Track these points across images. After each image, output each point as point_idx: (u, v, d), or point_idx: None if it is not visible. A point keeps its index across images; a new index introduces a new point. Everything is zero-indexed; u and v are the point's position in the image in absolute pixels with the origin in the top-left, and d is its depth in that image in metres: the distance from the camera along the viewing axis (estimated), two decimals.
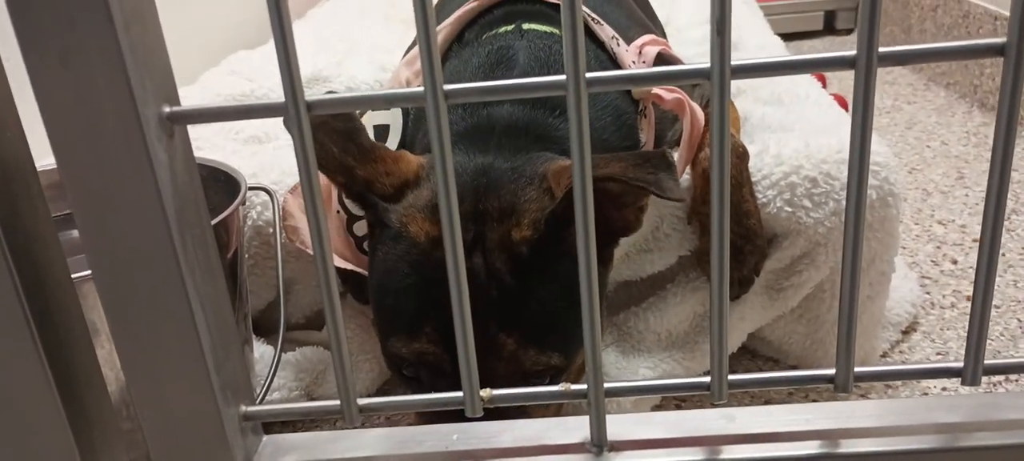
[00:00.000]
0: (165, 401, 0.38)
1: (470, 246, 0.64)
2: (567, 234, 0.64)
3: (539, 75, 0.80)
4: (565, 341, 0.66)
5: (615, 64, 0.87)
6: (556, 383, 0.66)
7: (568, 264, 0.64)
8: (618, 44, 0.87)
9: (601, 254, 0.68)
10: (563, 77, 0.32)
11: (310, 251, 0.76)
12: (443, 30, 0.92)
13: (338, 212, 0.80)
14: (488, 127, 0.75)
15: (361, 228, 0.80)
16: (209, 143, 1.08)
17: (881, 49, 0.31)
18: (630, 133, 0.84)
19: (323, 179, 0.82)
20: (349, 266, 0.81)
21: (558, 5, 0.88)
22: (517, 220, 0.65)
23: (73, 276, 0.41)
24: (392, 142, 0.85)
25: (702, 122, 0.86)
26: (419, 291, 0.65)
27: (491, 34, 0.87)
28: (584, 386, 0.38)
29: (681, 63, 0.97)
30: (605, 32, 0.87)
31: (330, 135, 0.65)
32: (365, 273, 0.83)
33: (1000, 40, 0.31)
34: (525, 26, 0.86)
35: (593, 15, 0.89)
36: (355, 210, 0.79)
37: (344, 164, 0.66)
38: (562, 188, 0.65)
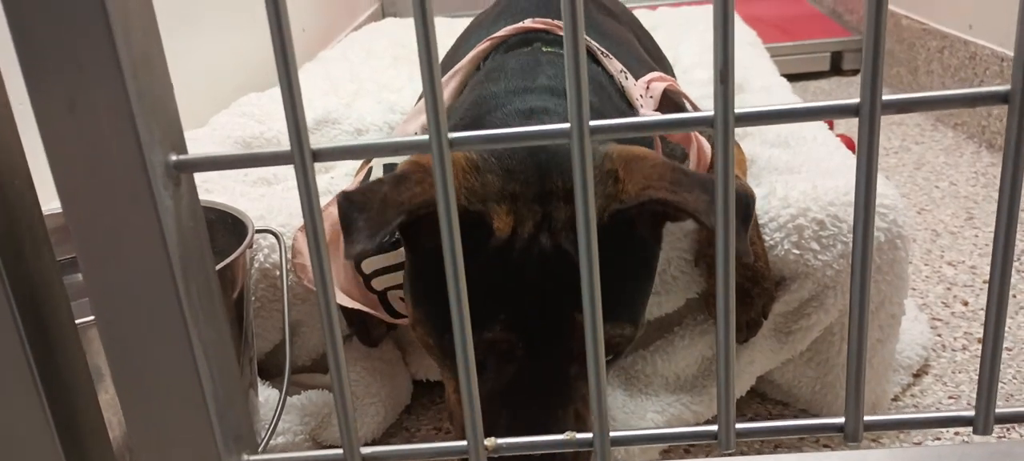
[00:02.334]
0: (166, 449, 0.38)
1: (537, 226, 0.64)
2: (627, 219, 0.65)
3: (562, 86, 0.83)
4: (634, 309, 0.68)
5: (624, 96, 0.87)
6: (625, 349, 0.69)
7: (636, 238, 0.67)
8: (626, 78, 0.88)
9: (654, 233, 0.71)
10: (567, 125, 0.32)
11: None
12: (459, 72, 0.93)
13: None
14: (531, 90, 0.78)
15: (370, 265, 0.79)
16: (218, 185, 1.08)
17: (885, 97, 0.31)
18: None
19: (330, 219, 0.82)
20: (357, 306, 0.81)
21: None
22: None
23: (78, 321, 0.41)
24: None
25: (709, 155, 0.86)
26: (494, 282, 0.64)
27: (510, 54, 0.90)
28: (590, 435, 0.38)
29: (687, 99, 0.97)
30: (614, 66, 0.88)
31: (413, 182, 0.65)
32: (372, 312, 0.83)
33: (1005, 88, 0.31)
34: (544, 48, 0.89)
35: (602, 48, 0.90)
36: None
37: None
38: (636, 185, 0.65)
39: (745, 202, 0.63)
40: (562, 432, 0.63)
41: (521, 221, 0.65)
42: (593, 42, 0.90)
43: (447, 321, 0.65)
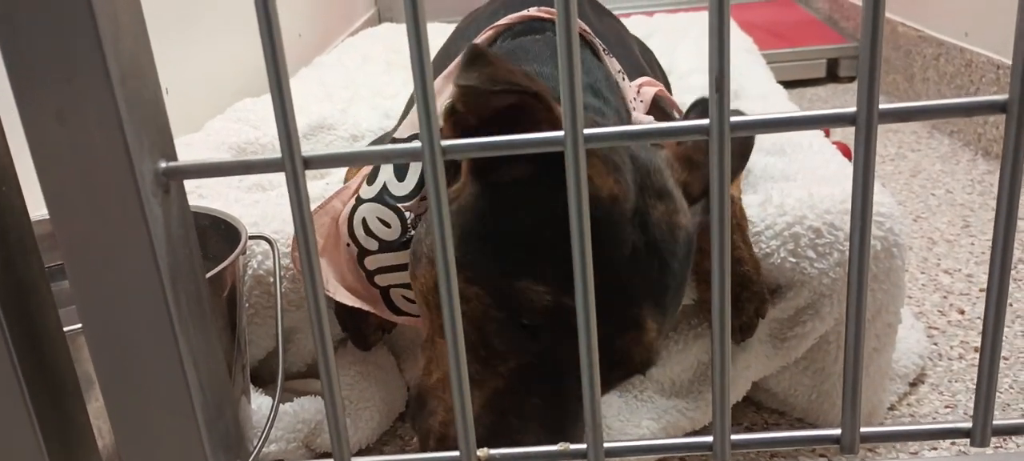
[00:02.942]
0: (155, 458, 0.38)
1: (636, 213, 0.60)
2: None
3: (597, 84, 0.82)
4: (672, 320, 0.66)
5: (620, 96, 0.87)
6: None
7: (683, 249, 0.64)
8: (623, 79, 0.88)
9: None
10: (561, 133, 0.32)
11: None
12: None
13: (348, 245, 0.79)
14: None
15: (373, 262, 0.78)
16: (212, 191, 1.08)
17: (882, 106, 0.31)
18: None
19: (329, 215, 0.81)
20: (358, 303, 0.80)
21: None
22: (676, 207, 0.63)
23: (66, 329, 0.41)
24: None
25: None
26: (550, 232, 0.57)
27: (529, 38, 0.89)
28: (584, 446, 0.37)
29: (676, 106, 0.97)
30: (613, 65, 0.88)
31: (481, 93, 0.58)
32: (372, 309, 0.81)
33: (1002, 97, 0.31)
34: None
35: (603, 45, 0.90)
36: (366, 243, 0.77)
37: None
38: (700, 187, 0.65)
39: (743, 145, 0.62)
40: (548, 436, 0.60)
41: (625, 195, 0.60)
42: (595, 38, 0.90)
43: (517, 266, 0.59)
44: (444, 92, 0.92)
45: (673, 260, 0.62)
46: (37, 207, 0.39)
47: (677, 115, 0.99)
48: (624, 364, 0.62)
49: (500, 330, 0.60)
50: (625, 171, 0.61)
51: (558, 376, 0.60)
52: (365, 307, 0.80)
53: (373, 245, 0.77)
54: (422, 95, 0.32)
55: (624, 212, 0.60)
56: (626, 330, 0.60)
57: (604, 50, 0.89)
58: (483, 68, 0.56)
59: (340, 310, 0.86)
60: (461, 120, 0.59)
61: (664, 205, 0.62)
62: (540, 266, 0.59)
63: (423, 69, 0.32)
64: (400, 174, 0.77)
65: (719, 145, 0.31)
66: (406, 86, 1.67)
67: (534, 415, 0.60)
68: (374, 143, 1.20)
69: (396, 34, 2.13)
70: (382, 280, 0.79)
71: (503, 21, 0.93)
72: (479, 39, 0.94)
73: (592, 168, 0.59)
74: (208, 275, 0.63)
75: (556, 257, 0.57)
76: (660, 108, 0.93)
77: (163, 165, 0.35)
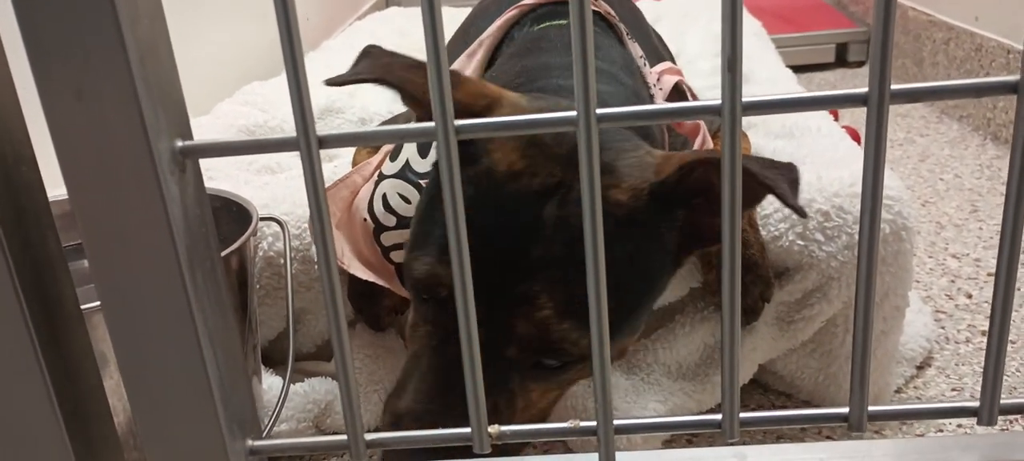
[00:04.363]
0: (171, 434, 0.38)
1: (548, 190, 0.58)
2: (663, 216, 0.59)
3: (613, 68, 0.81)
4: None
5: (643, 80, 0.87)
6: (574, 366, 0.61)
7: (648, 247, 0.60)
8: (644, 64, 0.88)
9: (679, 257, 0.63)
10: (574, 114, 0.32)
11: (338, 263, 0.76)
12: (485, 42, 0.93)
13: (365, 220, 0.79)
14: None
15: (389, 238, 0.79)
16: (222, 173, 1.08)
17: (893, 86, 0.31)
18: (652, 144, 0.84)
19: (348, 188, 0.82)
20: (372, 277, 0.80)
21: (597, 11, 0.89)
22: (616, 180, 0.59)
23: (83, 307, 0.41)
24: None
25: (711, 147, 0.86)
26: (471, 214, 0.59)
27: (554, 25, 0.87)
28: (593, 423, 0.38)
29: (694, 95, 0.97)
30: (636, 50, 0.88)
31: (406, 69, 0.61)
32: (387, 285, 0.82)
33: (1013, 78, 0.31)
34: None
35: (626, 29, 0.90)
36: (384, 219, 0.78)
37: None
38: (673, 164, 0.59)
39: (791, 169, 0.55)
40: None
41: (532, 170, 0.59)
42: (619, 22, 0.89)
43: (416, 242, 0.63)
44: (475, 56, 0.92)
45: (581, 240, 0.59)
46: (54, 186, 0.39)
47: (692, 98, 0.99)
48: (515, 341, 0.59)
49: (417, 304, 0.64)
50: (551, 148, 0.60)
51: (450, 356, 0.60)
52: (379, 281, 0.81)
53: (391, 221, 0.78)
54: (436, 75, 0.33)
55: (526, 186, 0.59)
56: (516, 304, 0.58)
57: (627, 35, 0.89)
58: (362, 61, 0.62)
59: (354, 293, 0.87)
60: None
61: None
62: (428, 237, 0.61)
63: (437, 49, 0.32)
64: (423, 151, 0.78)
65: (731, 125, 0.31)
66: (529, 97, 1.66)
67: (422, 393, 0.60)
68: (388, 123, 1.20)
69: (404, 18, 2.13)
70: (397, 256, 0.80)
71: (529, 1, 0.93)
72: (503, 18, 0.93)
73: (494, 142, 0.60)
74: (221, 255, 0.64)
75: (440, 229, 0.60)
76: (681, 94, 0.94)
77: (180, 144, 0.35)
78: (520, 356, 0.60)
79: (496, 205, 0.59)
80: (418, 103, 0.62)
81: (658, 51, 1.09)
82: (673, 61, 1.33)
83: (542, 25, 0.89)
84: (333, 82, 0.58)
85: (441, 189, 0.60)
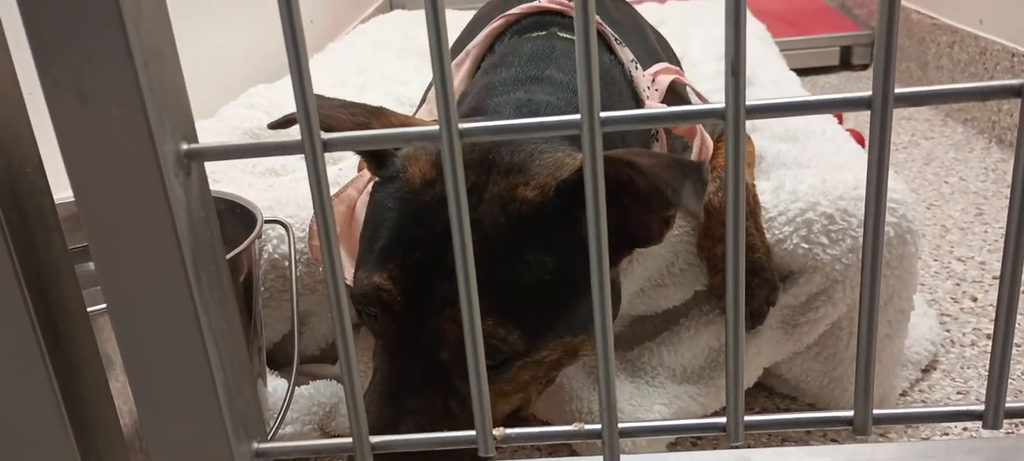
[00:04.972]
0: (177, 436, 0.38)
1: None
2: (576, 214, 0.61)
3: (577, 81, 0.80)
4: (533, 325, 0.61)
5: (633, 86, 0.87)
6: (512, 364, 0.63)
7: (565, 244, 0.61)
8: (636, 67, 0.88)
9: (612, 258, 0.63)
10: (577, 116, 0.32)
11: None
12: (471, 53, 0.93)
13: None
14: (539, 80, 0.77)
15: None
16: (226, 175, 1.08)
17: (897, 90, 0.31)
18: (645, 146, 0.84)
19: (345, 203, 0.82)
20: None
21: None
22: (525, 179, 0.62)
23: (89, 309, 0.41)
24: None
25: (710, 147, 0.86)
26: (396, 226, 0.63)
27: (526, 38, 0.89)
28: (598, 426, 0.38)
29: (694, 91, 0.97)
30: (625, 54, 0.88)
31: (334, 108, 0.65)
32: None
33: (1017, 81, 0.31)
34: (560, 34, 0.88)
35: (615, 35, 0.90)
36: None
37: (357, 122, 0.64)
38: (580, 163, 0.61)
39: (698, 171, 0.57)
40: (431, 420, 0.62)
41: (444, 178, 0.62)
42: (607, 28, 0.90)
43: (358, 263, 0.65)
44: (462, 67, 0.93)
45: (500, 231, 0.60)
46: (60, 189, 0.39)
47: (696, 100, 0.99)
48: (446, 345, 0.61)
49: (364, 320, 0.66)
50: (463, 155, 0.62)
51: (394, 366, 0.63)
52: None
53: None
54: (440, 79, 0.33)
55: (440, 193, 0.61)
56: (441, 307, 0.60)
57: (616, 40, 0.89)
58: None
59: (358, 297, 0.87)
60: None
61: (507, 180, 0.62)
62: (371, 256, 0.64)
63: (441, 52, 0.32)
64: None
65: (735, 129, 0.31)
66: (418, 73, 1.67)
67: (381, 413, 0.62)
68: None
69: (408, 21, 2.13)
70: None
71: (514, 11, 0.94)
72: (488, 28, 0.95)
73: (410, 159, 0.64)
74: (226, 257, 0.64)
75: (380, 243, 0.63)
76: (677, 94, 0.93)
77: (185, 147, 0.35)
78: (452, 359, 0.62)
79: (416, 216, 0.62)
80: None
81: (656, 52, 1.09)
82: (678, 63, 1.33)
83: (523, 37, 0.90)
84: (275, 126, 0.63)
85: (376, 212, 0.64)
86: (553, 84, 0.79)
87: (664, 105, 0.89)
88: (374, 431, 0.59)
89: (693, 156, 0.82)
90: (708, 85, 1.41)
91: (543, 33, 0.88)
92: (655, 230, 0.65)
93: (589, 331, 0.65)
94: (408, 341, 0.62)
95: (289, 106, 1.30)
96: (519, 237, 0.61)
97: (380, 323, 0.64)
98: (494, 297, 0.59)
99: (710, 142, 0.86)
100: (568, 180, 0.61)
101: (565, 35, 0.87)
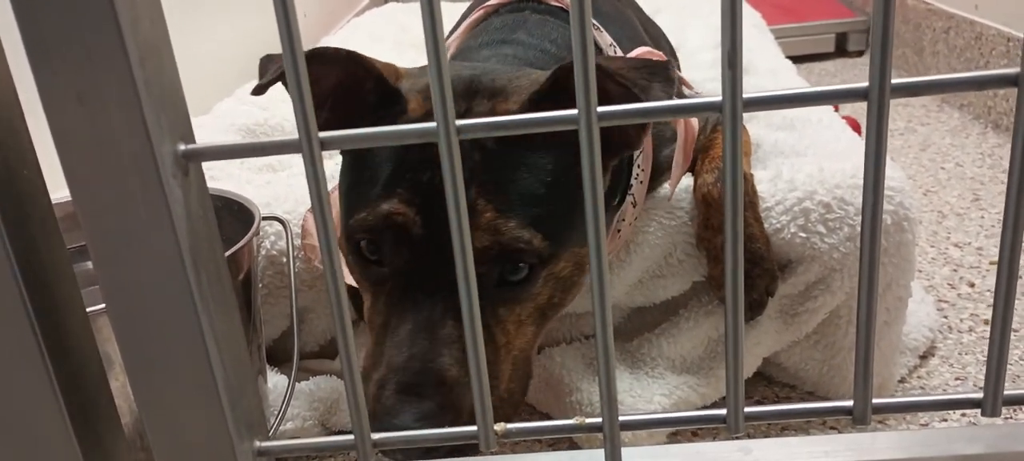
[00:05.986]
0: (179, 435, 0.38)
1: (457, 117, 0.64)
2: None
3: (544, 43, 0.86)
4: (551, 224, 0.63)
5: None
6: (537, 274, 0.64)
7: (556, 146, 0.64)
8: (615, 51, 0.89)
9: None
10: (574, 111, 0.32)
11: None
12: (453, 42, 0.95)
13: None
14: (507, 42, 0.83)
15: None
16: (223, 172, 1.08)
17: (894, 80, 0.31)
18: None
19: (338, 204, 0.82)
20: None
21: (562, 8, 0.91)
22: (506, 97, 0.66)
23: (88, 309, 0.41)
24: None
25: (695, 130, 0.86)
26: (397, 156, 0.63)
27: (497, 14, 0.94)
28: (599, 419, 0.38)
29: (684, 81, 0.98)
30: (603, 39, 0.89)
31: (327, 61, 0.66)
32: None
33: (1014, 70, 0.31)
34: (532, 13, 0.92)
35: (595, 23, 0.90)
36: None
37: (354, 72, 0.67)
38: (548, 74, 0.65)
39: (665, 70, 0.60)
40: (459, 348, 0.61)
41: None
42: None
43: (352, 205, 0.65)
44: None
45: (496, 144, 0.63)
46: (57, 188, 0.39)
47: (687, 91, 0.99)
48: (475, 257, 0.62)
49: (358, 265, 0.66)
50: (453, 86, 0.66)
51: (416, 289, 0.63)
52: None
53: None
54: (436, 73, 0.33)
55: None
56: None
57: (596, 27, 0.90)
58: (268, 66, 0.68)
59: (357, 294, 0.87)
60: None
61: (490, 102, 0.66)
62: (372, 190, 0.64)
63: (436, 44, 0.32)
64: None
65: (732, 121, 0.31)
66: (414, 65, 1.66)
67: (405, 339, 0.62)
68: None
69: (403, 13, 2.12)
70: None
71: (492, 1, 0.97)
72: (470, 19, 0.98)
73: (409, 96, 0.67)
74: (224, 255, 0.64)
75: (380, 177, 0.63)
76: None
77: (182, 147, 0.35)
78: (483, 270, 0.62)
79: (419, 145, 0.62)
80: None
81: (640, 37, 1.10)
82: (673, 52, 1.33)
83: (497, 14, 0.94)
84: (257, 91, 0.65)
85: (364, 155, 0.64)
86: (522, 44, 0.83)
87: None
88: (407, 369, 0.59)
89: (678, 136, 0.82)
90: (706, 74, 1.41)
91: (510, 16, 0.93)
92: (633, 135, 0.68)
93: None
94: (430, 270, 0.62)
95: (285, 103, 1.30)
96: (513, 146, 0.63)
97: (391, 258, 0.64)
98: (511, 201, 0.62)
99: (695, 123, 0.86)
100: (540, 90, 0.64)
101: (536, 14, 0.92)
